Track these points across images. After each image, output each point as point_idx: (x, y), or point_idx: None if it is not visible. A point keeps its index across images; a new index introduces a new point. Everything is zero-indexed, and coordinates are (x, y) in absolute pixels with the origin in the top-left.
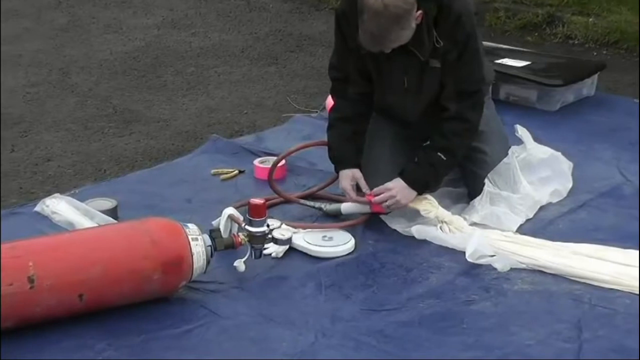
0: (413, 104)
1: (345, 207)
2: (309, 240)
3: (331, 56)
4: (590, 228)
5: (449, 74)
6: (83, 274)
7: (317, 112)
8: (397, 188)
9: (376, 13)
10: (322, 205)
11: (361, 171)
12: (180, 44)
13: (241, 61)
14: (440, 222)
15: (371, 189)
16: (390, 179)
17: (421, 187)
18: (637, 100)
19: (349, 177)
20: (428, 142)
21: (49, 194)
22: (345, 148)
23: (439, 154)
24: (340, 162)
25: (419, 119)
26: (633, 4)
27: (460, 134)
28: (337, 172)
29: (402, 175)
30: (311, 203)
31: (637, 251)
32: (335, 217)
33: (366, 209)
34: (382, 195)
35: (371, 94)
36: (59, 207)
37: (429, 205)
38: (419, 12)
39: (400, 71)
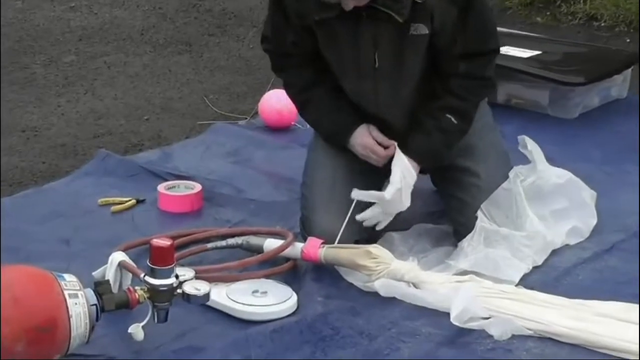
0: (389, 91)
1: (269, 244)
2: (234, 296)
3: (264, 28)
4: (621, 280)
5: (450, 38)
6: None
7: (246, 118)
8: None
9: None
10: (242, 241)
11: (303, 200)
12: (54, 23)
13: (141, 47)
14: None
15: (310, 229)
16: (344, 216)
17: (432, 159)
18: None
19: (364, 134)
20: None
21: None
22: (335, 109)
23: (448, 115)
24: (342, 128)
25: (402, 116)
26: None
27: (474, 92)
28: (346, 145)
29: (407, 147)
30: (223, 242)
31: None
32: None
33: (296, 252)
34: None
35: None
36: None
37: (373, 262)
38: None
39: (369, 44)
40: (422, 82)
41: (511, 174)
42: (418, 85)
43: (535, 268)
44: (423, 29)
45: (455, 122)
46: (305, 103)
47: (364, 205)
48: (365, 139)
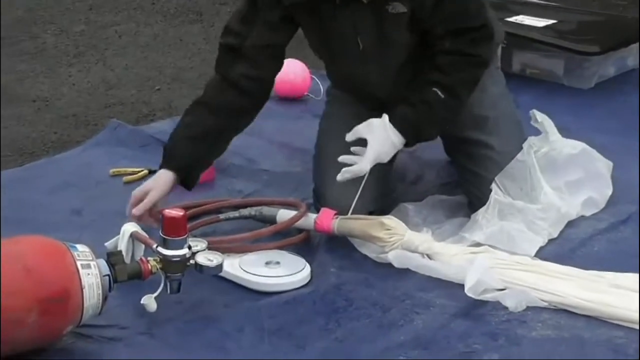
0: (378, 70)
1: (282, 215)
2: (247, 267)
3: (230, 20)
4: (637, 251)
5: (430, 19)
6: None
7: None
8: (374, 136)
9: None
10: (255, 212)
11: (315, 172)
12: None
13: (151, 17)
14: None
15: (323, 200)
16: (356, 187)
17: (412, 132)
18: None
19: (163, 181)
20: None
21: None
22: (185, 140)
23: (434, 89)
24: (167, 155)
25: (395, 93)
26: None
27: (462, 68)
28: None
29: (389, 118)
30: (235, 213)
31: None
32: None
33: (309, 223)
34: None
35: (266, 81)
36: None
37: (387, 234)
38: None
39: (349, 28)
40: (411, 59)
41: (525, 145)
42: (407, 62)
43: (550, 240)
44: (401, 7)
45: (442, 95)
46: (188, 110)
47: (377, 175)
48: (158, 185)
